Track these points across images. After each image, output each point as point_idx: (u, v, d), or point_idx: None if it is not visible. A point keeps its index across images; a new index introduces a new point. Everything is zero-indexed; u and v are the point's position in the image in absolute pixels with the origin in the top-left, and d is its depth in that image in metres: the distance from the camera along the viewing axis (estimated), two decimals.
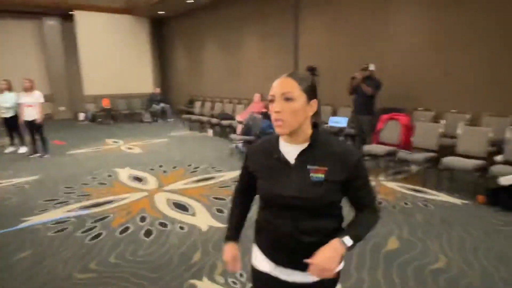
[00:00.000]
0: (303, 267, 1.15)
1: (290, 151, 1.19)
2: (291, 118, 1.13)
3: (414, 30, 6.16)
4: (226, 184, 4.92)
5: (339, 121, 6.69)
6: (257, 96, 7.51)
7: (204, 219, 3.73)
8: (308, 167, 1.15)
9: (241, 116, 7.42)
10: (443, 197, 4.26)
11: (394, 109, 6.00)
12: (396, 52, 6.43)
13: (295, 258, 1.18)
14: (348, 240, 1.12)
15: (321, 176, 1.14)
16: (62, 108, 13.38)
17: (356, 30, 7.04)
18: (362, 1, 6.87)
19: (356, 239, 1.14)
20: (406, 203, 4.08)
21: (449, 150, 4.76)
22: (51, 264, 2.90)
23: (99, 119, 12.00)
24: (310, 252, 1.12)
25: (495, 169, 3.98)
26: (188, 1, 10.81)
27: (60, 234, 3.46)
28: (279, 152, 1.21)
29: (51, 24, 12.65)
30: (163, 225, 3.61)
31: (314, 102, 1.16)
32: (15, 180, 5.33)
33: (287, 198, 1.16)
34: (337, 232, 1.16)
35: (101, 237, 3.36)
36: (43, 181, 5.28)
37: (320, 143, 1.18)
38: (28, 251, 3.12)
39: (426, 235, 3.26)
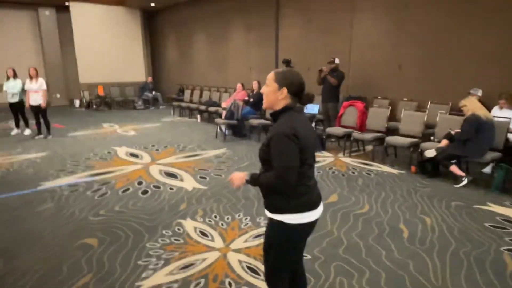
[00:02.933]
0: (265, 206, 1.74)
1: None
2: (266, 98, 1.71)
3: (374, 30, 7.08)
4: (209, 160, 5.82)
5: (312, 108, 7.61)
6: (239, 85, 8.37)
7: (189, 183, 4.64)
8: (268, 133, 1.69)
9: (226, 103, 8.29)
10: (385, 168, 5.24)
11: (358, 97, 6.94)
12: (359, 48, 7.35)
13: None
14: (247, 177, 1.72)
15: (265, 141, 1.68)
16: (57, 95, 14.05)
17: (326, 29, 7.94)
18: (332, 4, 7.75)
19: (252, 180, 1.70)
20: (353, 172, 5.05)
21: (395, 131, 5.74)
22: (70, 211, 3.79)
23: (94, 106, 12.72)
24: (264, 197, 1.73)
25: (423, 145, 4.95)
26: None
27: (74, 193, 4.33)
28: None
29: (47, 14, 13.24)
30: (157, 187, 4.52)
31: (283, 90, 1.64)
32: (26, 156, 6.15)
33: None
34: None
35: (107, 195, 4.25)
36: (51, 156, 6.11)
37: (278, 120, 1.66)
38: (50, 204, 4.00)
39: (360, 193, 4.22)
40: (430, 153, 4.65)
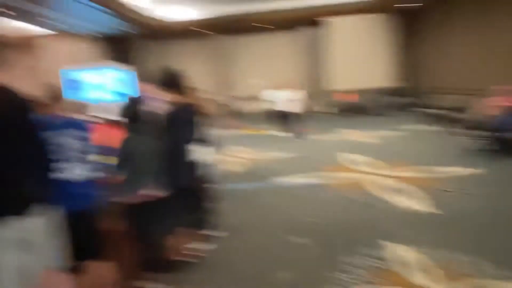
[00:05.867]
0: None
1: None
2: None
3: None
4: (451, 179, 4.81)
5: None
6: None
7: (413, 202, 4.07)
8: None
9: (490, 107, 6.57)
10: None
11: None
12: None
13: None
14: None
15: None
16: (315, 103, 15.76)
17: None
18: None
19: None
20: None
21: None
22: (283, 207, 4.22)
23: (345, 112, 13.37)
24: None
25: None
26: None
27: (292, 191, 4.84)
28: None
29: (304, 32, 15.10)
30: (378, 199, 4.26)
31: None
32: (278, 155, 7.21)
33: None
34: None
35: (319, 198, 4.50)
36: (297, 157, 6.88)
37: None
38: (273, 199, 4.60)
39: None
40: None
